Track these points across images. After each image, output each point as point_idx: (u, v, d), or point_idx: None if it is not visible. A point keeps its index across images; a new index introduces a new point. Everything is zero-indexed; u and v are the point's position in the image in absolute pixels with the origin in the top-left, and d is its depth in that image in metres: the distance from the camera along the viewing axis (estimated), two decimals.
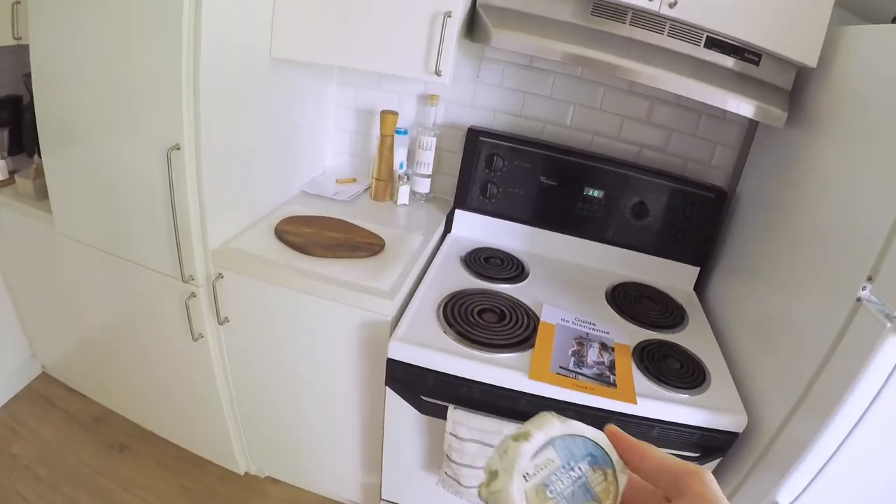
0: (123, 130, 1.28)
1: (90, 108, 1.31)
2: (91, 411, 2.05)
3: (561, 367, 1.22)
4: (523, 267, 1.59)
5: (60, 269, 1.66)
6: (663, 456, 0.39)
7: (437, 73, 1.31)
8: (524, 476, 0.38)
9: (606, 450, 0.40)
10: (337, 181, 1.83)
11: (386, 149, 1.69)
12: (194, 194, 1.28)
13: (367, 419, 1.51)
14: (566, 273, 1.62)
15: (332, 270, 1.34)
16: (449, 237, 1.71)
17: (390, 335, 1.26)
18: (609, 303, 1.51)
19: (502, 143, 1.62)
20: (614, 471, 0.40)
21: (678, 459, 0.38)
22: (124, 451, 1.93)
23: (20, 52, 1.46)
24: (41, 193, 1.58)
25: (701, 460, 1.19)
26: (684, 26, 1.26)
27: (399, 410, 1.32)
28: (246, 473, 1.89)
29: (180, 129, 1.20)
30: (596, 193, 1.62)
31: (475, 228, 1.70)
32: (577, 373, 1.21)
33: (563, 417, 0.41)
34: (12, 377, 2.04)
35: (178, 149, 1.20)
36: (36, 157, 1.57)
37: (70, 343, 1.93)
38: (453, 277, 1.49)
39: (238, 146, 1.37)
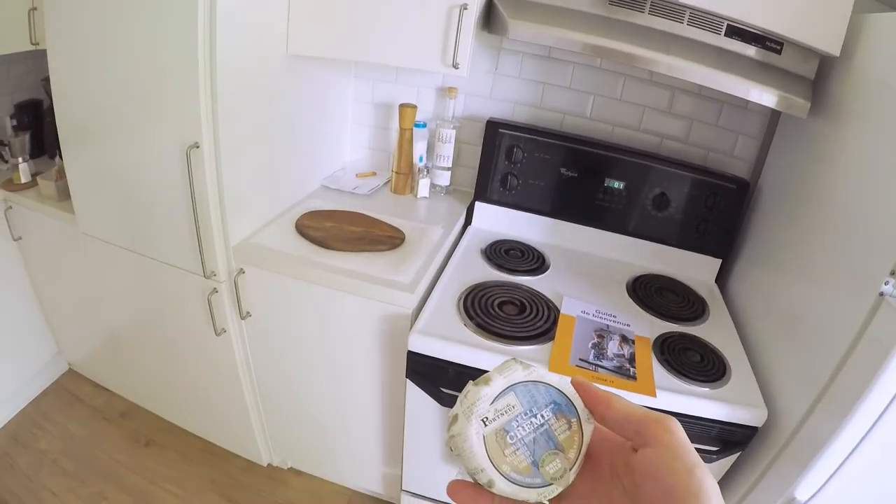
0: (143, 130, 1.32)
1: (109, 110, 1.34)
2: (117, 406, 2.11)
3: (581, 359, 1.23)
4: (543, 259, 1.61)
5: (84, 268, 1.71)
6: (629, 405, 0.38)
7: (455, 66, 1.32)
8: (483, 420, 0.38)
9: (571, 399, 0.39)
10: (357, 175, 1.86)
11: (405, 142, 1.71)
12: (214, 192, 1.31)
13: (388, 411, 1.54)
14: (587, 265, 1.63)
15: (352, 264, 1.36)
16: (469, 229, 1.72)
17: (411, 328, 1.27)
18: (630, 295, 1.51)
19: (522, 134, 1.63)
20: (579, 420, 0.39)
21: (645, 409, 0.37)
22: (150, 445, 1.99)
23: (38, 58, 1.50)
24: (63, 194, 1.63)
25: (720, 454, 1.19)
26: (704, 15, 1.26)
27: (420, 402, 1.34)
28: (269, 465, 1.93)
29: (199, 128, 1.22)
30: (617, 185, 1.62)
31: (495, 220, 1.72)
32: (596, 365, 1.22)
33: (527, 364, 0.40)
34: (39, 374, 2.11)
35: (198, 147, 1.23)
36: (57, 158, 1.62)
37: (95, 340, 1.99)
38: (474, 270, 1.51)
39: (257, 143, 1.40)
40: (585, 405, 0.39)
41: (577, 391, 0.40)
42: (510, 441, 0.38)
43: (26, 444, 1.94)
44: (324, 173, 1.82)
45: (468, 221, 1.76)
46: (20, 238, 1.81)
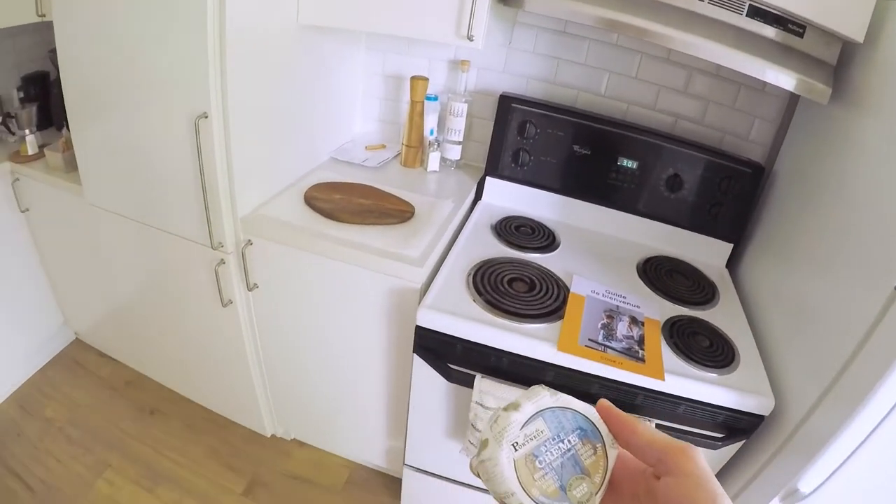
0: (150, 101, 1.30)
1: (116, 81, 1.32)
2: (123, 375, 2.13)
3: (590, 339, 1.23)
4: (554, 236, 1.60)
5: (91, 239, 1.70)
6: (653, 432, 0.39)
7: (469, 38, 1.30)
8: (513, 445, 0.39)
9: (597, 424, 0.41)
10: (366, 147, 1.85)
11: (416, 115, 1.70)
12: (223, 162, 1.30)
13: (394, 385, 1.55)
14: (597, 244, 1.62)
15: (361, 237, 1.35)
16: (479, 204, 1.71)
17: (419, 303, 1.27)
18: (640, 276, 1.50)
19: (535, 110, 1.61)
20: (604, 445, 0.41)
21: (667, 436, 0.39)
22: (155, 414, 2.02)
23: (45, 29, 1.49)
24: (70, 166, 1.62)
25: (725, 441, 1.19)
26: None
27: (426, 378, 1.35)
28: (272, 436, 1.96)
29: (207, 98, 1.21)
30: (630, 164, 1.61)
31: (506, 196, 1.71)
32: (605, 346, 1.21)
33: (554, 391, 0.42)
34: (46, 344, 2.12)
35: (206, 117, 1.22)
36: (64, 130, 1.61)
37: (102, 310, 2.00)
38: (484, 246, 1.50)
39: (266, 114, 1.38)
40: (610, 430, 0.41)
41: (602, 417, 0.41)
42: (539, 465, 0.39)
43: (32, 413, 1.97)
44: (333, 145, 1.80)
45: (478, 196, 1.75)
46: (27, 210, 1.81)
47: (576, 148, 1.63)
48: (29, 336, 2.05)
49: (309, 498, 1.81)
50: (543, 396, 0.41)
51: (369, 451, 1.83)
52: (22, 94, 1.83)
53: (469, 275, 1.37)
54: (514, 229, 1.60)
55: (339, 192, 1.53)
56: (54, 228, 1.83)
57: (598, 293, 1.38)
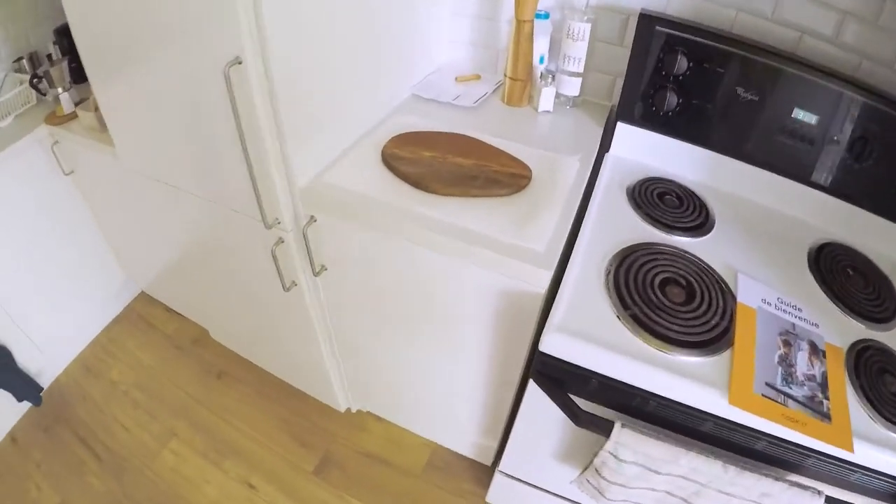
0: (173, 48, 0.87)
1: (132, 26, 0.90)
2: (189, 332, 1.84)
3: (767, 384, 0.79)
4: (707, 210, 1.10)
5: (137, 203, 1.35)
6: None
7: None
8: None
9: None
10: (457, 79, 1.34)
11: (523, 38, 1.17)
12: (269, 120, 0.87)
13: (495, 387, 1.16)
14: (758, 221, 1.11)
15: (462, 216, 0.91)
16: (608, 158, 1.20)
17: (541, 310, 0.86)
18: (812, 270, 1.01)
19: (688, 36, 1.06)
20: None
21: None
22: (222, 378, 1.73)
23: None
24: (105, 125, 1.24)
25: None
26: None
27: (542, 408, 0.94)
28: (347, 410, 1.65)
29: (238, 37, 0.76)
30: (807, 117, 1.05)
31: (642, 149, 1.19)
32: (785, 394, 0.78)
33: None
34: (110, 301, 1.85)
35: (240, 63, 0.78)
36: None
37: (161, 269, 1.68)
38: (620, 221, 1.03)
39: (322, 47, 0.91)
40: None
41: None
42: None
43: (98, 374, 1.72)
44: (414, 78, 1.31)
45: (604, 146, 1.24)
46: (72, 172, 1.48)
47: (739, 91, 1.07)
48: (92, 295, 1.77)
49: (385, 481, 1.50)
50: None
51: (455, 440, 1.49)
52: (57, 48, 1.44)
53: (608, 273, 0.91)
54: (657, 198, 1.11)
55: (428, 146, 1.06)
56: (101, 189, 1.49)
57: (769, 303, 0.91)
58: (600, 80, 1.27)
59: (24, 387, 1.54)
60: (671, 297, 0.89)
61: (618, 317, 0.85)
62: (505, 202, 0.95)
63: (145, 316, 1.90)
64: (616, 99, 1.27)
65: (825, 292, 0.97)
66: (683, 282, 0.92)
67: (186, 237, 1.32)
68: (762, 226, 1.09)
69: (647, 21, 1.08)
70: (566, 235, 0.92)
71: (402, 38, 1.18)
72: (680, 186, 1.15)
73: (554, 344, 0.83)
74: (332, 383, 1.47)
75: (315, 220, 0.99)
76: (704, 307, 0.88)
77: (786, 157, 1.10)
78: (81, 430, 1.58)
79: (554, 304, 0.85)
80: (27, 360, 1.57)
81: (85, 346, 1.78)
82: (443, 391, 1.28)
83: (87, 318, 1.78)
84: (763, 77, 1.05)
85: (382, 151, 1.04)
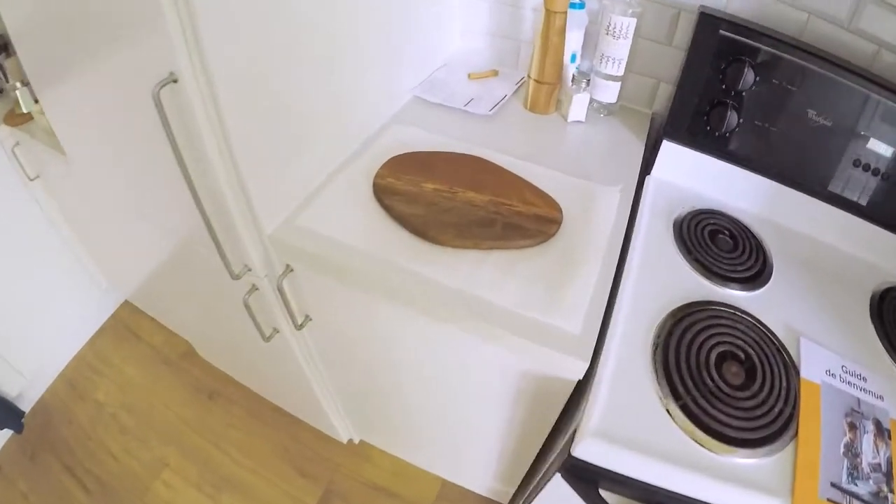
0: (104, 60, 0.65)
1: (64, 27, 0.67)
2: (178, 345, 1.67)
3: (832, 484, 0.61)
4: (764, 254, 0.87)
5: (103, 213, 1.15)
6: None
7: None
8: None
9: None
10: (469, 76, 1.10)
11: (554, 34, 0.93)
12: (220, 151, 0.65)
13: (513, 446, 0.97)
14: (817, 261, 0.88)
15: (475, 280, 0.70)
16: (649, 182, 0.97)
17: (573, 398, 0.67)
18: (873, 320, 0.80)
19: (760, 45, 0.82)
20: None
21: None
22: (214, 398, 1.57)
23: None
24: None
25: None
26: None
27: (566, 495, 0.76)
28: (349, 441, 1.48)
29: (170, 48, 0.55)
30: (884, 149, 0.82)
31: (689, 172, 0.95)
32: (851, 495, 0.60)
33: None
34: (93, 312, 1.68)
35: (175, 81, 0.56)
36: None
37: (140, 284, 1.49)
38: (666, 270, 0.81)
39: (288, 52, 0.68)
40: None
41: None
42: None
43: (84, 394, 1.56)
44: (417, 76, 1.08)
45: (645, 167, 0.99)
46: (38, 177, 1.28)
47: (811, 114, 0.83)
48: (72, 306, 1.60)
49: None
50: None
51: (468, 481, 1.31)
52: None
53: (655, 348, 0.71)
54: (708, 237, 0.88)
55: (433, 174, 0.84)
56: (69, 196, 1.29)
57: (833, 374, 0.72)
58: (641, 84, 1.03)
59: (3, 415, 1.39)
60: (728, 376, 0.69)
61: (667, 410, 0.65)
62: (529, 256, 0.74)
63: (131, 325, 1.73)
64: (657, 106, 1.04)
65: (886, 349, 0.77)
66: (742, 355, 0.71)
67: (156, 260, 1.13)
68: (819, 263, 0.88)
69: (709, 23, 0.84)
70: (605, 304, 0.70)
71: (401, 29, 0.94)
72: (733, 221, 0.92)
73: (589, 450, 0.63)
74: (330, 417, 1.30)
75: (292, 270, 0.79)
76: (766, 390, 0.68)
77: (853, 190, 0.87)
78: (68, 457, 1.44)
79: (590, 398, 0.65)
80: (7, 383, 1.42)
81: (69, 360, 1.63)
82: (454, 440, 1.10)
83: (70, 331, 1.62)
84: (840, 99, 0.81)
85: (374, 182, 0.82)
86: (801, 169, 0.89)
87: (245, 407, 1.54)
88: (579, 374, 0.66)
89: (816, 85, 0.82)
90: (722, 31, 0.82)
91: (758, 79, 0.84)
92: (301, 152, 0.77)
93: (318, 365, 1.05)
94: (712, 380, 0.68)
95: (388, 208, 0.78)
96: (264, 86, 0.65)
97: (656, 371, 0.68)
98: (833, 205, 0.89)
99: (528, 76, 1.01)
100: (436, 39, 1.10)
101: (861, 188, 0.87)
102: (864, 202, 0.87)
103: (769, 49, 0.82)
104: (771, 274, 0.84)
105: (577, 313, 0.67)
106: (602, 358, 0.68)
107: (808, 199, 0.90)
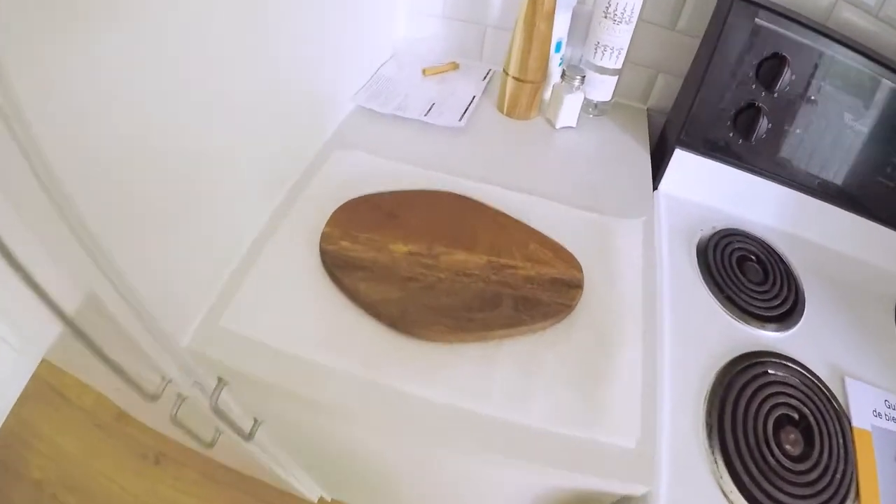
0: None
1: None
2: (109, 407, 1.40)
3: None
4: (796, 282, 0.71)
5: None
6: None
7: None
8: None
9: None
10: (424, 72, 0.88)
11: (541, 17, 0.71)
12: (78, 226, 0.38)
13: None
14: (845, 276, 0.75)
15: (487, 389, 0.50)
16: (659, 199, 0.78)
17: None
18: None
19: (805, 41, 0.64)
20: None
21: None
22: (160, 462, 1.32)
23: None
24: None
25: None
26: None
27: None
28: (320, 499, 1.28)
29: None
30: None
31: (704, 185, 0.77)
32: None
33: None
34: (9, 374, 1.37)
35: None
36: None
37: (53, 336, 1.21)
38: (698, 315, 0.64)
39: (158, 61, 0.44)
40: None
41: None
42: None
43: (18, 474, 1.29)
44: (359, 79, 0.83)
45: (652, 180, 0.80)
46: None
47: (848, 119, 0.68)
48: None
49: None
50: None
51: None
52: None
53: (709, 427, 0.55)
54: (736, 265, 0.71)
55: (398, 227, 0.61)
56: None
57: (879, 412, 0.63)
58: (636, 75, 0.83)
59: None
60: (787, 446, 0.56)
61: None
62: (551, 341, 0.54)
63: (56, 385, 1.45)
64: (654, 101, 0.85)
65: None
66: (796, 415, 0.58)
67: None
68: (847, 277, 0.76)
69: (742, 9, 0.64)
70: (656, 400, 0.52)
71: (330, 13, 0.69)
72: (759, 243, 0.76)
73: None
74: (294, 485, 1.09)
75: (227, 384, 0.57)
76: (826, 456, 0.56)
77: (885, 199, 0.73)
78: None
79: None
80: None
81: None
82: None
83: None
84: (882, 101, 0.66)
85: (322, 248, 0.59)
86: (832, 178, 0.74)
87: (198, 469, 1.31)
88: (637, 493, 0.49)
89: (857, 84, 0.66)
90: (758, 21, 0.63)
91: (793, 77, 0.66)
92: (198, 222, 0.53)
93: (278, 455, 0.83)
94: (773, 455, 0.55)
95: (347, 290, 0.55)
96: (123, 116, 0.41)
97: (716, 461, 0.53)
98: (863, 216, 0.75)
99: (504, 71, 0.79)
100: (376, 25, 0.85)
101: (891, 198, 0.73)
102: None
103: (808, 42, 0.64)
104: (805, 306, 0.70)
105: (628, 421, 0.49)
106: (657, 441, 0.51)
107: (837, 210, 0.75)
